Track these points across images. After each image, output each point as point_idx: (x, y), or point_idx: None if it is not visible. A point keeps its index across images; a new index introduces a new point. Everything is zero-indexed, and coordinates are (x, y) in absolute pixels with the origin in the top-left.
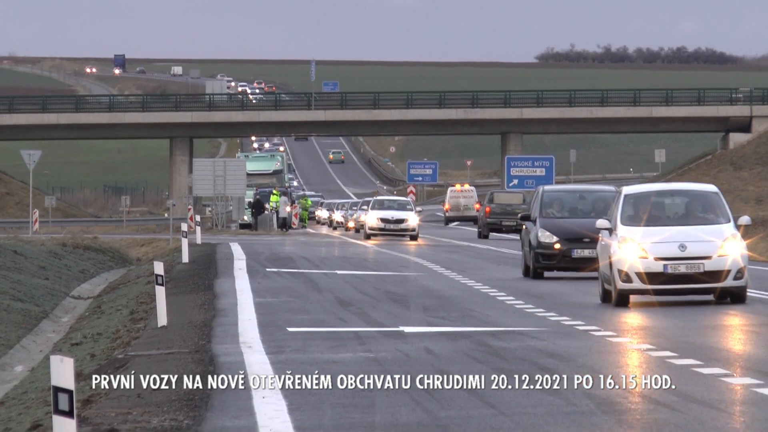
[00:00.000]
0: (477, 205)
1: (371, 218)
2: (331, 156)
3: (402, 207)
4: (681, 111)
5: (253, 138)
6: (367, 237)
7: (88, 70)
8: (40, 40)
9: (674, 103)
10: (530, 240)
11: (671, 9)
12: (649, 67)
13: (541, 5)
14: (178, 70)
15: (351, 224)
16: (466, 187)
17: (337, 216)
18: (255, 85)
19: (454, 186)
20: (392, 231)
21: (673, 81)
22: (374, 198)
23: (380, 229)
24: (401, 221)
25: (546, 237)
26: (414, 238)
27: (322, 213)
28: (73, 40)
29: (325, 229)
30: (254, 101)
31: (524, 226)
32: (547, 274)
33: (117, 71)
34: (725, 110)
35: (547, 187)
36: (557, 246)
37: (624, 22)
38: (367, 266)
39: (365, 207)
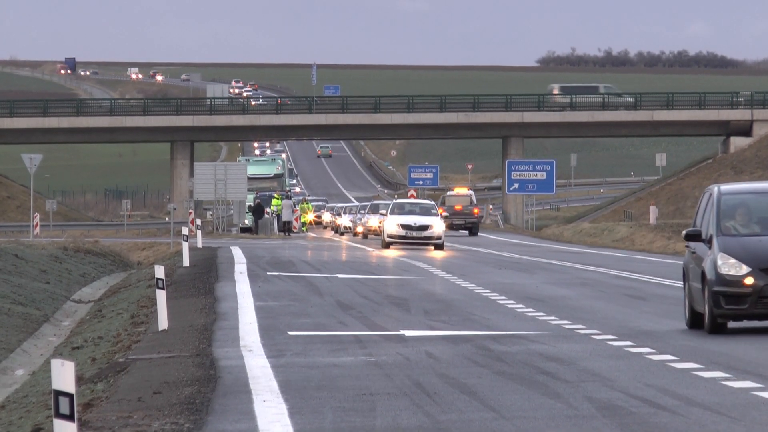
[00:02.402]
0: (476, 210)
1: (390, 224)
2: (319, 150)
3: (426, 211)
4: (682, 115)
5: (256, 144)
6: (386, 246)
7: (62, 71)
8: (41, 44)
9: (675, 107)
10: (704, 271)
11: (673, 13)
12: (650, 70)
13: (542, 9)
14: (135, 70)
15: (359, 229)
16: (464, 191)
17: (345, 220)
18: (233, 83)
19: (452, 190)
20: (414, 239)
21: (674, 85)
22: (394, 201)
23: (401, 237)
24: (425, 228)
25: (731, 267)
26: (439, 247)
27: (326, 217)
28: (74, 44)
29: (329, 234)
30: (254, 103)
31: (688, 249)
32: (732, 324)
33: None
34: (726, 114)
35: (726, 188)
36: (749, 281)
37: (625, 26)
38: (367, 270)
39: (383, 211)
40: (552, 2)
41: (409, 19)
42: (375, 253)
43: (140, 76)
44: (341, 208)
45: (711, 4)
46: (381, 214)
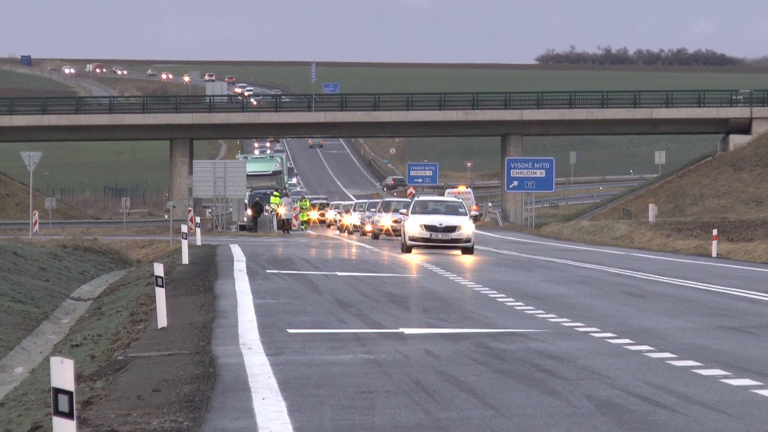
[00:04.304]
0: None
1: (412, 225)
2: (310, 141)
3: (452, 210)
4: (681, 113)
5: (256, 145)
6: (408, 249)
7: (67, 71)
8: (40, 42)
9: (674, 104)
10: None
11: (673, 11)
12: (650, 68)
13: (541, 7)
14: (91, 68)
15: (368, 228)
16: (463, 189)
17: (354, 218)
18: (206, 77)
19: (452, 188)
20: (440, 242)
21: (674, 83)
22: (416, 199)
23: (424, 239)
24: (452, 229)
25: None
26: (469, 250)
27: (329, 215)
28: (73, 42)
29: (332, 232)
30: (254, 102)
31: None
32: None
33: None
34: (725, 112)
35: None
36: None
37: (624, 24)
38: (367, 268)
39: (404, 210)
40: (551, 0)
41: (409, 17)
42: (395, 256)
43: (171, 76)
44: (349, 205)
45: (711, 2)
46: (400, 213)
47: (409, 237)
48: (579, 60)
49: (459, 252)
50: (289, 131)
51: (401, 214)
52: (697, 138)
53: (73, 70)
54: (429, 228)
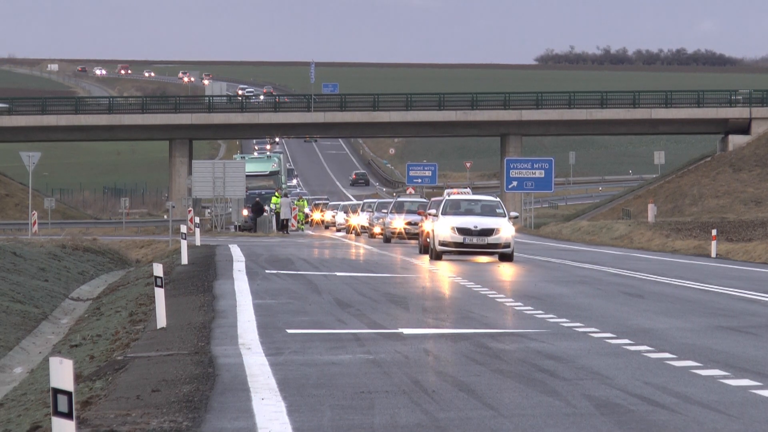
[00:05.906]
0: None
1: (443, 228)
2: (306, 137)
3: (489, 211)
4: (680, 113)
5: (256, 148)
6: (438, 256)
7: (98, 72)
8: (39, 42)
9: (674, 104)
10: None
11: (672, 11)
12: (649, 68)
13: (540, 7)
14: (54, 67)
15: (377, 230)
16: (462, 190)
17: (362, 219)
18: (180, 74)
19: (451, 189)
20: (475, 247)
21: (673, 83)
22: (446, 198)
23: (457, 245)
24: (489, 232)
25: None
26: (508, 257)
27: (329, 215)
28: (72, 42)
29: (332, 233)
30: (253, 102)
31: None
32: None
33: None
34: (724, 112)
35: None
36: None
37: (624, 24)
38: (366, 268)
39: (432, 211)
40: (551, 0)
41: (408, 18)
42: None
43: (192, 79)
44: (356, 205)
45: (710, 2)
46: (429, 213)
47: (440, 242)
48: (578, 60)
49: (496, 258)
50: (289, 131)
51: (430, 215)
52: (696, 138)
53: (104, 71)
54: (462, 231)
